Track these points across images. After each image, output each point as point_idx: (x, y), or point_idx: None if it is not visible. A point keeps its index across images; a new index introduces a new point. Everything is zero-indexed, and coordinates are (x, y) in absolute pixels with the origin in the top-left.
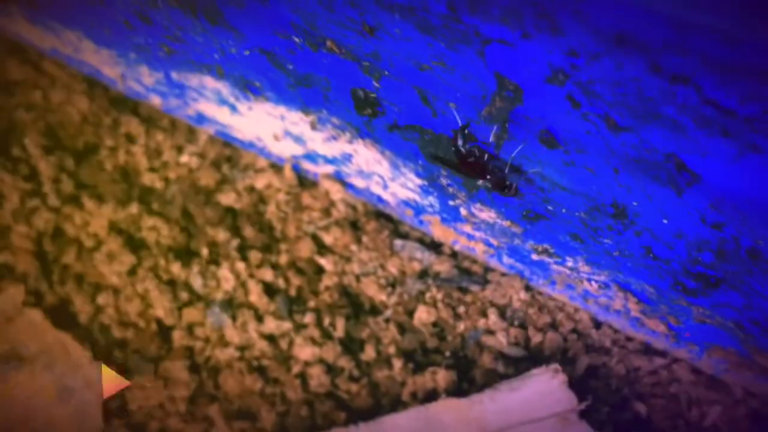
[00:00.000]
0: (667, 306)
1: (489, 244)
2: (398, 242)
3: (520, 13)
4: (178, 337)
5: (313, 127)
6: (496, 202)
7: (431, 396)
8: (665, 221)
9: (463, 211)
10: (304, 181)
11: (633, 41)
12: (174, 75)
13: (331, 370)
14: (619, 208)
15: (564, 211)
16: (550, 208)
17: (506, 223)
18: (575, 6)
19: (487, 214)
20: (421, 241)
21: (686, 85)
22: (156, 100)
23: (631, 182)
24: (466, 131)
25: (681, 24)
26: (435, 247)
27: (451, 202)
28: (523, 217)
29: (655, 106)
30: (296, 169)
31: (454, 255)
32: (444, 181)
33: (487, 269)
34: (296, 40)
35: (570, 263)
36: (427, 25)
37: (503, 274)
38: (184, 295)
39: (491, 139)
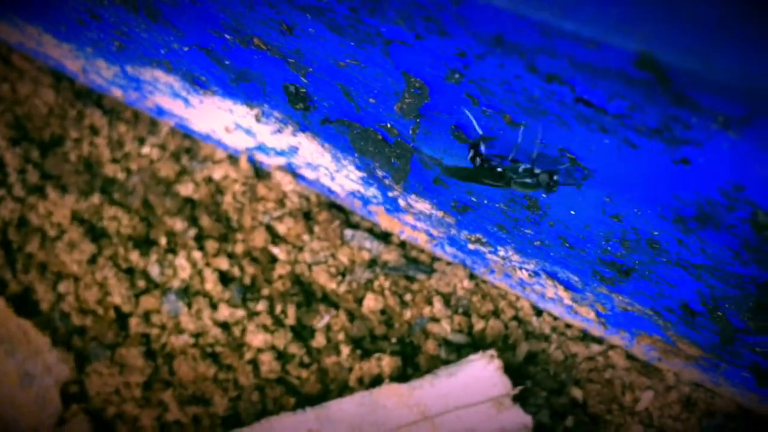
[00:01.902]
0: (592, 294)
1: (430, 234)
2: (348, 232)
3: (411, 15)
4: (134, 324)
5: (258, 119)
6: (428, 193)
7: (376, 381)
8: (572, 213)
9: (401, 202)
10: (260, 173)
11: (508, 44)
12: (129, 69)
13: (282, 356)
14: (531, 200)
15: (486, 202)
16: (473, 199)
17: (440, 214)
18: (455, 10)
19: (423, 205)
20: (370, 231)
21: (561, 84)
22: (117, 93)
23: None
24: (481, 144)
25: (547, 29)
26: (384, 237)
27: (390, 194)
28: (452, 207)
29: (540, 103)
30: (251, 160)
31: (402, 245)
32: (380, 173)
33: (434, 258)
34: (228, 37)
35: (501, 252)
36: (336, 25)
37: (448, 263)
38: (141, 283)
39: (410, 132)
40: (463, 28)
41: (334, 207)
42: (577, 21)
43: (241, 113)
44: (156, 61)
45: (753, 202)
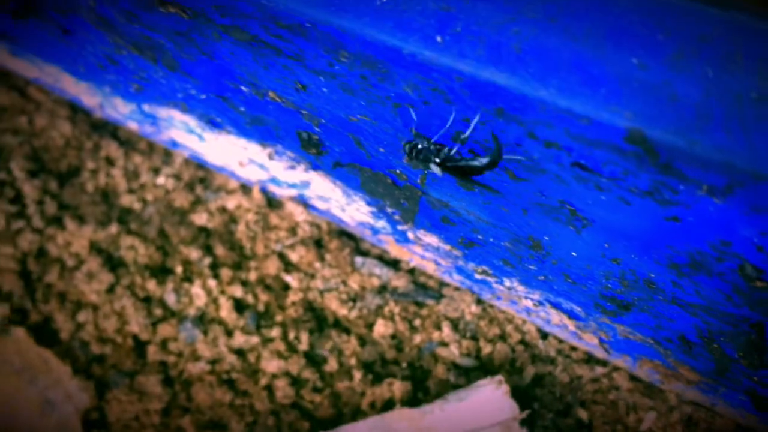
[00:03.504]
0: (595, 323)
1: (438, 264)
2: (359, 259)
3: (418, 86)
4: (152, 351)
5: (271, 158)
6: (436, 229)
7: (388, 405)
8: (574, 254)
9: (410, 235)
10: (272, 202)
11: (509, 115)
12: (145, 107)
13: (296, 382)
14: (535, 241)
15: (492, 240)
16: (480, 237)
17: (447, 247)
18: (458, 85)
19: (431, 239)
20: (380, 258)
21: (558, 150)
22: (133, 126)
23: (538, 222)
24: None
25: (544, 105)
26: (393, 264)
27: (399, 227)
28: (459, 243)
29: (539, 163)
30: (264, 190)
31: (411, 271)
32: (389, 210)
33: (442, 284)
34: (244, 89)
35: (507, 283)
36: (348, 87)
37: (456, 289)
38: (158, 312)
39: (418, 180)
40: (466, 100)
41: (345, 235)
42: (570, 99)
43: (255, 151)
44: (173, 102)
45: (740, 255)
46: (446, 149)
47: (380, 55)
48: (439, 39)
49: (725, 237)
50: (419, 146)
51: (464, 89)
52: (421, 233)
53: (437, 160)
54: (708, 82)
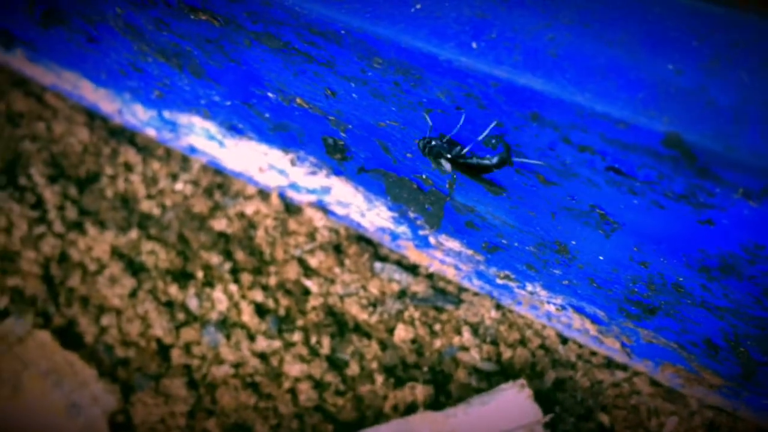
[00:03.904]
0: (618, 327)
1: (458, 269)
2: (378, 265)
3: (452, 92)
4: (176, 355)
5: (293, 163)
6: (459, 234)
7: (411, 409)
8: (601, 258)
9: (432, 240)
10: (290, 208)
11: (544, 120)
12: (166, 114)
13: (318, 385)
14: (561, 245)
15: (516, 244)
16: (504, 241)
17: (470, 252)
18: (494, 91)
19: (453, 244)
20: (399, 263)
21: (592, 154)
22: (151, 132)
23: (566, 226)
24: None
25: (580, 110)
26: (412, 268)
27: (420, 232)
28: (482, 247)
29: (572, 167)
30: (282, 196)
31: (430, 276)
32: (412, 215)
33: (461, 289)
34: (271, 95)
35: (529, 288)
36: (379, 93)
37: (475, 294)
38: (181, 316)
39: (446, 185)
40: (501, 105)
41: (363, 240)
42: (607, 104)
43: (276, 157)
44: (195, 109)
45: None
46: (458, 147)
47: (415, 61)
48: (474, 45)
49: (759, 240)
50: (433, 143)
51: (499, 95)
52: (443, 238)
53: (449, 155)
54: (744, 87)
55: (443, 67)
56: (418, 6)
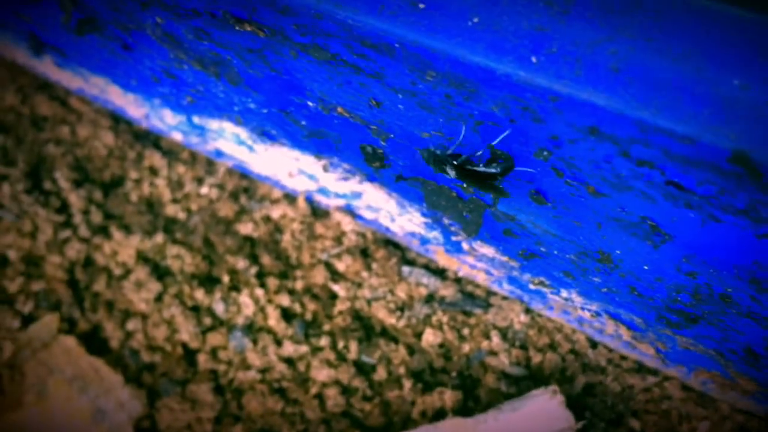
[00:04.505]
0: (655, 334)
1: (490, 273)
2: (406, 269)
3: (507, 105)
4: (203, 360)
5: (326, 169)
6: (495, 241)
7: (439, 414)
8: (645, 267)
9: (465, 246)
10: (317, 211)
11: (603, 134)
12: (195, 119)
13: (345, 390)
14: (604, 254)
15: (556, 252)
16: (543, 249)
17: (504, 259)
18: (553, 105)
19: (487, 250)
20: (427, 267)
21: (651, 168)
22: (177, 136)
23: (612, 236)
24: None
25: (644, 125)
26: (440, 272)
27: (453, 238)
28: (519, 254)
29: (627, 180)
30: (309, 199)
31: (458, 280)
32: (446, 221)
33: (490, 293)
34: (310, 104)
35: (564, 294)
36: (427, 105)
37: (504, 298)
38: (207, 321)
39: (491, 196)
40: (559, 118)
41: (391, 244)
42: (672, 119)
43: (308, 162)
44: (227, 115)
45: None
46: (463, 156)
47: (470, 74)
48: (534, 60)
49: None
50: (437, 152)
51: (558, 109)
52: (477, 244)
53: (455, 162)
54: None
55: (501, 81)
56: (476, 20)
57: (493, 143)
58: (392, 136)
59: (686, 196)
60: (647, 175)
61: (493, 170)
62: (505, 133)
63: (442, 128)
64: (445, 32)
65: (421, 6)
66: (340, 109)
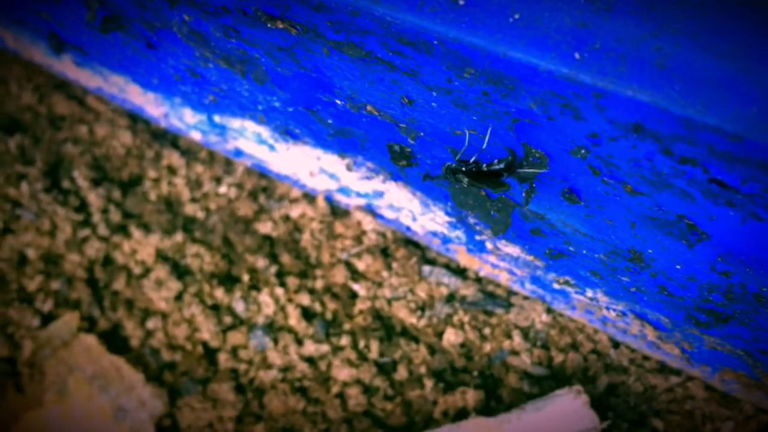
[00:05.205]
0: (681, 334)
1: (512, 273)
2: (426, 268)
3: (546, 102)
4: (223, 359)
5: (349, 168)
6: (521, 240)
7: (461, 414)
8: (678, 267)
9: (488, 245)
10: (337, 211)
11: (647, 132)
12: (216, 118)
13: (367, 390)
14: (636, 254)
15: (584, 252)
16: (571, 248)
17: (529, 258)
18: (595, 101)
19: (512, 250)
20: (447, 266)
21: (694, 166)
22: (196, 135)
23: (646, 235)
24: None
25: (690, 123)
26: (461, 272)
27: (477, 237)
28: (546, 254)
29: (667, 178)
30: (329, 199)
31: (478, 280)
32: (471, 221)
33: (510, 293)
34: (339, 102)
35: (590, 294)
36: (462, 103)
37: (525, 298)
38: (227, 319)
39: (523, 194)
40: (601, 116)
41: (411, 243)
42: (720, 117)
43: (330, 161)
44: (249, 113)
45: None
46: (471, 162)
47: (511, 71)
48: (577, 56)
49: None
50: (452, 166)
51: (601, 105)
52: (501, 243)
53: (463, 168)
54: None
55: (542, 78)
56: (516, 16)
57: (482, 145)
58: (422, 134)
59: (728, 194)
60: (689, 173)
61: (497, 167)
62: (489, 131)
63: (476, 126)
64: (486, 29)
65: (461, 2)
66: (369, 108)
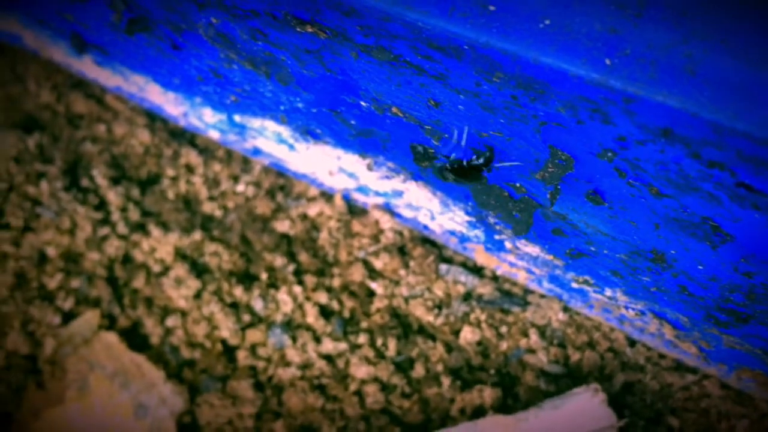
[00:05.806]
0: (700, 333)
1: (530, 272)
2: (443, 266)
3: (576, 106)
4: (242, 357)
5: (369, 168)
6: (541, 240)
7: (479, 412)
8: (700, 267)
9: (507, 245)
10: (354, 209)
11: (676, 136)
12: (236, 118)
13: (385, 387)
14: (658, 254)
15: (606, 252)
16: (592, 248)
17: (549, 257)
18: (625, 106)
19: (531, 249)
20: (464, 265)
21: (722, 170)
22: (214, 134)
23: (670, 236)
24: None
25: (720, 128)
26: (478, 270)
27: (496, 236)
28: (566, 254)
29: (694, 181)
30: (346, 198)
31: (495, 278)
32: (491, 220)
33: (527, 291)
34: (363, 104)
35: (609, 293)
36: (489, 105)
37: (542, 296)
38: (246, 317)
39: (548, 195)
40: (630, 120)
41: (428, 242)
42: (748, 122)
43: (350, 161)
44: (271, 114)
45: None
46: (453, 159)
47: (540, 76)
48: (608, 62)
49: None
50: (447, 165)
51: (631, 110)
52: (521, 243)
53: (448, 166)
54: None
55: (572, 83)
56: (547, 22)
57: (461, 142)
58: (446, 136)
59: (755, 198)
60: (717, 176)
61: (476, 162)
62: (465, 131)
63: (502, 129)
64: (517, 34)
65: (492, 8)
66: (394, 109)
